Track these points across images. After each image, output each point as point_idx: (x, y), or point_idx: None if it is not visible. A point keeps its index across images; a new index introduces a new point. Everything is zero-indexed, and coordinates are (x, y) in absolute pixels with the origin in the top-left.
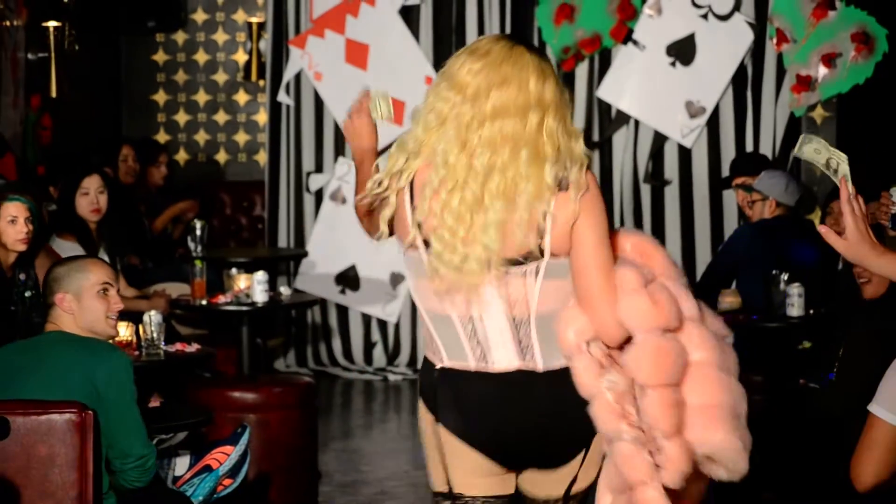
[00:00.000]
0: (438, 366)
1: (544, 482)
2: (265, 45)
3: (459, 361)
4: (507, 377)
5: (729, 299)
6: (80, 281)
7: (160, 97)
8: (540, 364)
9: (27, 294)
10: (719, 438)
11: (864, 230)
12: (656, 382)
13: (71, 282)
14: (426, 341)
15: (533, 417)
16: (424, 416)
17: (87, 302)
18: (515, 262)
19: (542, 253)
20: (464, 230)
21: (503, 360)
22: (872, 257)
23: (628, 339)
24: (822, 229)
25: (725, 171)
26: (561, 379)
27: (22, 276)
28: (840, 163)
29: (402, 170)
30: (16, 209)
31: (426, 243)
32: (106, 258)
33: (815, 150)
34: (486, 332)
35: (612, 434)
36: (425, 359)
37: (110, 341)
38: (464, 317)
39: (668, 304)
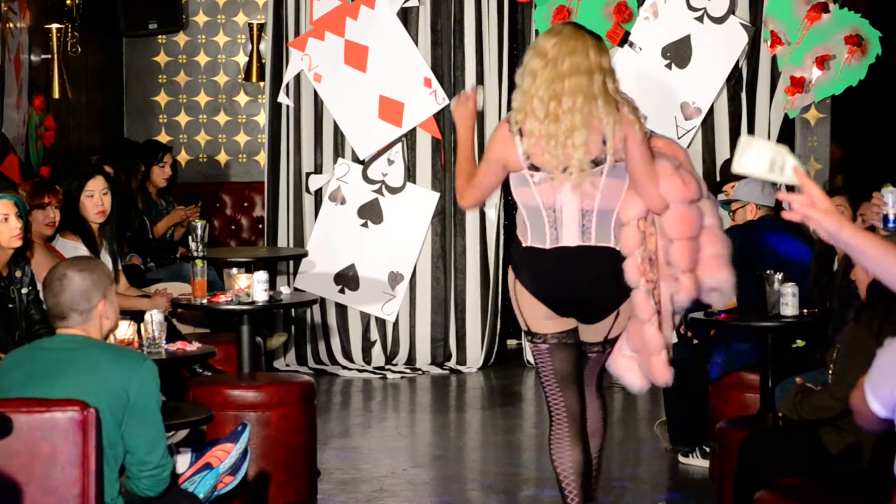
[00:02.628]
0: (524, 244)
1: (589, 332)
2: (265, 46)
3: (538, 242)
4: (570, 250)
5: None
6: (109, 285)
7: (161, 98)
8: (594, 242)
9: (24, 291)
10: (725, 276)
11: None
12: (681, 236)
13: (105, 288)
14: (518, 226)
15: (583, 279)
16: (511, 279)
17: (113, 304)
18: (594, 164)
19: (606, 157)
20: (561, 148)
21: (569, 239)
22: (845, 223)
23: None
24: (787, 213)
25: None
26: (606, 253)
27: (18, 273)
28: (786, 156)
29: (520, 115)
30: (6, 207)
31: (531, 166)
32: (108, 258)
33: (758, 153)
34: (562, 219)
35: (634, 283)
36: (516, 238)
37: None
38: (549, 208)
39: (692, 183)
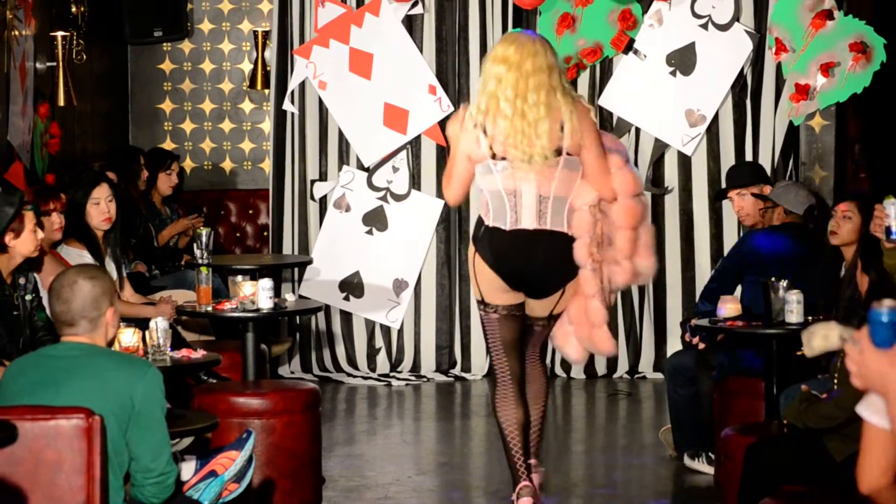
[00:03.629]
0: (487, 223)
1: (536, 307)
2: (270, 54)
3: (499, 223)
4: (528, 232)
5: (728, 305)
6: (114, 293)
7: (166, 106)
8: (549, 226)
9: (28, 297)
10: (649, 263)
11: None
12: (626, 226)
13: (112, 296)
14: (481, 207)
15: (537, 258)
16: (471, 252)
17: (118, 313)
18: (555, 154)
19: (561, 151)
20: (527, 140)
21: (527, 222)
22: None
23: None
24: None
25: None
26: (559, 237)
27: (21, 280)
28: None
29: (480, 117)
30: (31, 218)
31: (493, 157)
32: (112, 265)
33: (824, 337)
34: (521, 204)
35: (582, 262)
36: (479, 217)
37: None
38: (510, 194)
39: (638, 178)
